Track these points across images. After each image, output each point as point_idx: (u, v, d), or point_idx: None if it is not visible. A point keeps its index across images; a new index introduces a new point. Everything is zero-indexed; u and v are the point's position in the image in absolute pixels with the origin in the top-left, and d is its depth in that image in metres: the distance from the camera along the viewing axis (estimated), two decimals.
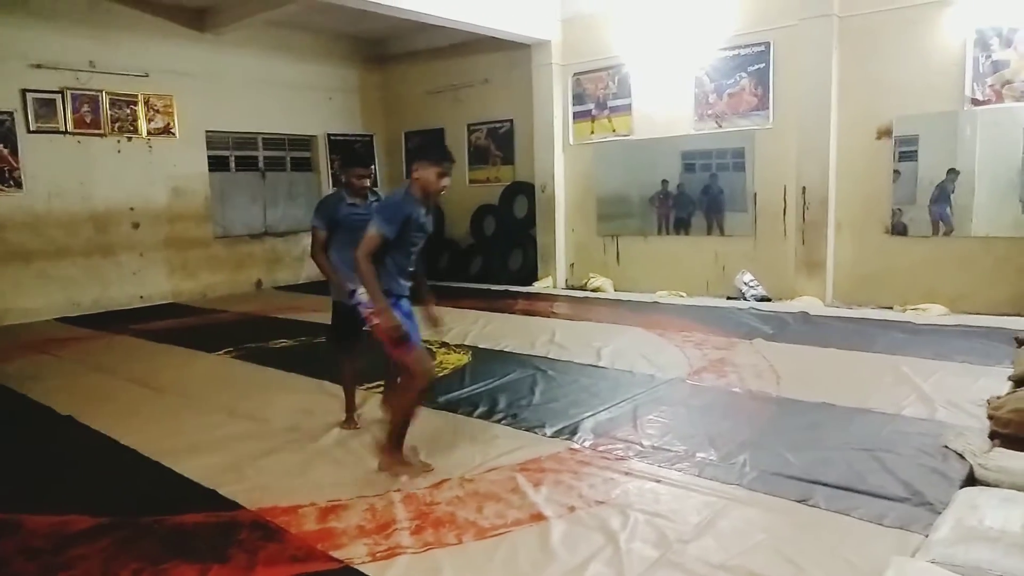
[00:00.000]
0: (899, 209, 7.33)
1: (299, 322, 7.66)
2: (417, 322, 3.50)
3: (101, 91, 8.73)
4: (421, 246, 3.45)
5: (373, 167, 4.11)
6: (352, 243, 3.95)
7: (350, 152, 4.82)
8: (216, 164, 10.09)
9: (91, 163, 8.73)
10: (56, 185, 8.46)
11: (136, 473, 3.64)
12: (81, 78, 8.57)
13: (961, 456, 3.30)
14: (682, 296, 8.49)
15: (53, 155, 8.41)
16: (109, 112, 8.81)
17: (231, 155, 10.36)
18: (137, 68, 9.00)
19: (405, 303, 3.42)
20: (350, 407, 4.28)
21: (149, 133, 9.20)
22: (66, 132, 8.50)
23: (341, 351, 4.32)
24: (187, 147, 9.59)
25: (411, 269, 3.44)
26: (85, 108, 8.62)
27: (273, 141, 10.84)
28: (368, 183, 4.11)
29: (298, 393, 4.95)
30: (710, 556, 2.57)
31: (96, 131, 8.73)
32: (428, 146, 3.41)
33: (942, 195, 7.07)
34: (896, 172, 7.28)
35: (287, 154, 11.06)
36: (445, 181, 3.30)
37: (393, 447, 3.44)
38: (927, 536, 2.55)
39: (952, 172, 6.98)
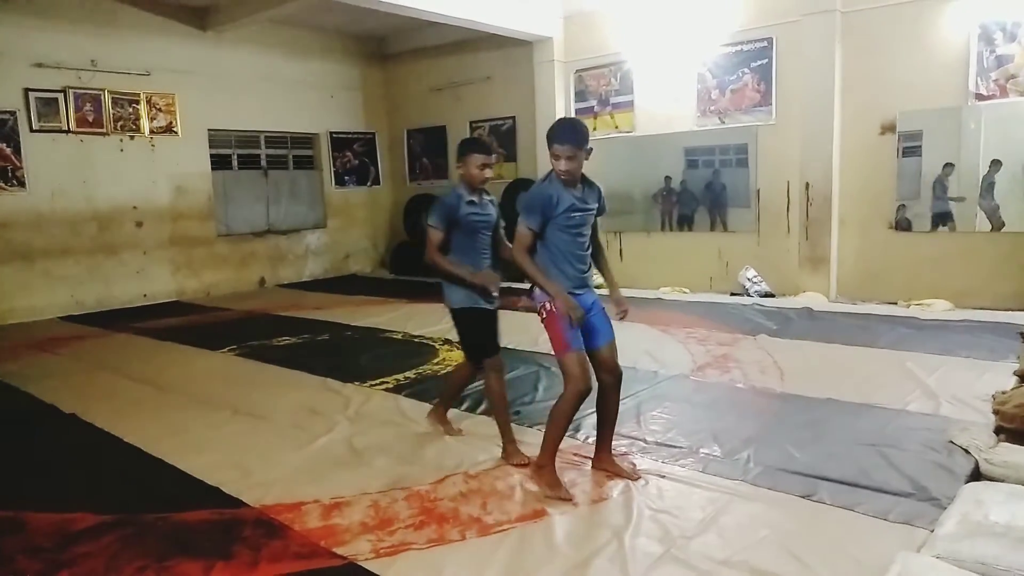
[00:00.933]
0: (960, 197, 7.02)
1: (303, 320, 7.67)
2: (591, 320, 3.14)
3: (103, 90, 8.73)
4: (587, 228, 3.12)
5: (495, 156, 3.73)
6: (472, 247, 3.55)
7: (468, 139, 4.06)
8: (219, 162, 10.09)
9: (94, 162, 8.74)
10: (59, 184, 8.48)
11: (140, 471, 3.64)
12: (83, 77, 8.57)
13: (966, 451, 3.29)
14: (685, 292, 8.48)
15: (56, 154, 8.43)
16: (111, 111, 8.81)
17: (233, 153, 10.35)
18: (139, 67, 9.00)
19: (586, 298, 3.11)
20: (509, 435, 3.58)
21: (151, 132, 9.20)
22: (68, 131, 8.50)
23: (488, 363, 3.59)
24: (189, 146, 9.59)
25: (582, 253, 3.10)
26: (87, 107, 8.63)
27: (275, 139, 10.84)
28: (490, 175, 3.54)
29: (301, 390, 4.95)
30: (714, 552, 2.56)
31: (98, 130, 8.74)
32: (551, 128, 3.10)
33: (988, 188, 6.87)
34: (949, 165, 7.03)
35: (289, 152, 11.05)
36: (562, 164, 2.99)
37: (547, 463, 3.12)
38: (932, 531, 2.54)
39: (995, 163, 6.79)
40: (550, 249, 3.06)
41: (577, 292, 3.09)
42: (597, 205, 3.16)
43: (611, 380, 3.26)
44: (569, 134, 3.04)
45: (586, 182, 3.13)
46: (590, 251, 3.17)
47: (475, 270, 3.53)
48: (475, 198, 3.54)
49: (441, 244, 3.51)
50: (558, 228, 3.03)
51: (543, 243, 3.06)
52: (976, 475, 3.08)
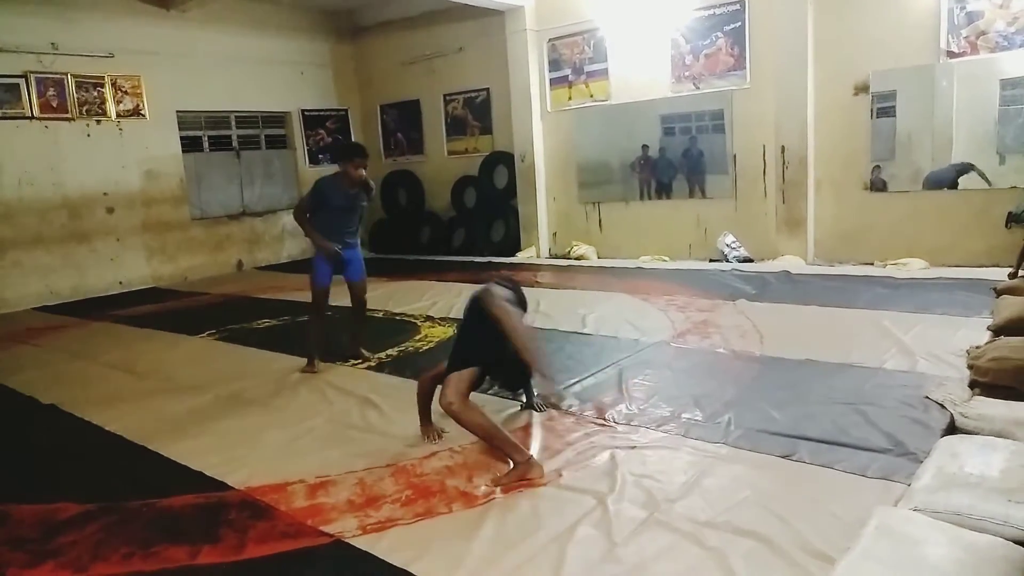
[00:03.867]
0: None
1: (281, 301, 7.59)
2: None
3: (66, 74, 8.51)
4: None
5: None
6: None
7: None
8: (189, 145, 9.90)
9: (60, 148, 8.55)
10: (26, 172, 8.28)
11: (122, 458, 3.61)
12: (44, 61, 8.34)
13: (942, 406, 3.35)
14: (665, 260, 8.51)
15: (20, 142, 8.22)
16: (75, 95, 8.60)
17: (204, 135, 10.17)
18: (102, 48, 8.77)
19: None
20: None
21: (118, 115, 9.00)
22: (32, 117, 8.29)
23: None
24: (158, 128, 9.40)
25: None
26: (51, 92, 8.41)
27: (246, 119, 10.65)
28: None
29: (283, 372, 4.92)
30: (697, 514, 2.59)
31: (63, 115, 8.53)
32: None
33: None
34: None
35: (261, 132, 10.87)
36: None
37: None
38: (909, 485, 2.59)
39: None
40: None
41: None
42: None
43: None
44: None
45: None
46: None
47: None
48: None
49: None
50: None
51: None
52: (951, 429, 3.13)
